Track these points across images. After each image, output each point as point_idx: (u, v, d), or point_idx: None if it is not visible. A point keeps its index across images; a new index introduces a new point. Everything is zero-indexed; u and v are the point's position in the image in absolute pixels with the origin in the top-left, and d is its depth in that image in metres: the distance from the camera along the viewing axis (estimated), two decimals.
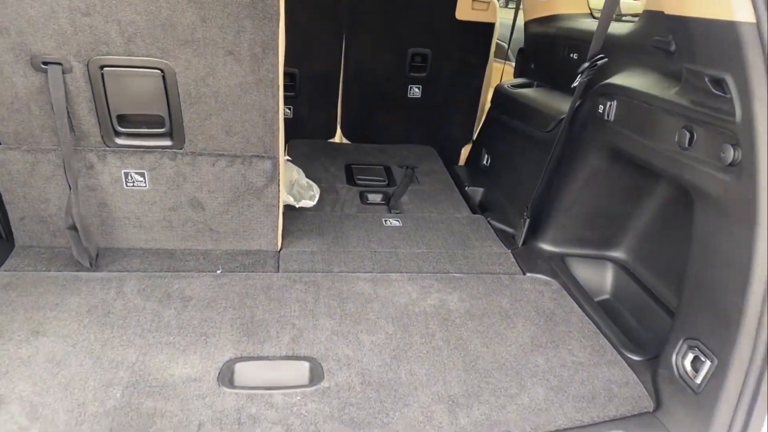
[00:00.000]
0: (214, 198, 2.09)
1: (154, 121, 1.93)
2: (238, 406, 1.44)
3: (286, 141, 3.53)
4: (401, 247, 2.35)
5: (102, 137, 1.93)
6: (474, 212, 2.80)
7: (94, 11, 1.70)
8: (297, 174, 2.85)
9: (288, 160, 2.74)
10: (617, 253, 2.36)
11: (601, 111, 2.04)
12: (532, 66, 3.11)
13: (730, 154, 1.37)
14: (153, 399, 1.44)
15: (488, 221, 2.66)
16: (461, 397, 1.53)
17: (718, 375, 1.42)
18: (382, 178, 3.11)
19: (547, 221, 2.39)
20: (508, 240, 2.49)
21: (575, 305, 2.04)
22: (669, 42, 1.77)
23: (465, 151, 3.78)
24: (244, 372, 1.58)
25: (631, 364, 1.73)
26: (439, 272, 2.18)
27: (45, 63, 1.75)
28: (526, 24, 3.31)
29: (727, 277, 1.42)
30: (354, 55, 3.42)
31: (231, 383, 1.53)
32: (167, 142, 1.98)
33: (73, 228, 1.91)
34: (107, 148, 1.96)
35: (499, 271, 2.22)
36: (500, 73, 3.65)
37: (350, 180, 3.07)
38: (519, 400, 1.55)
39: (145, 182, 2.02)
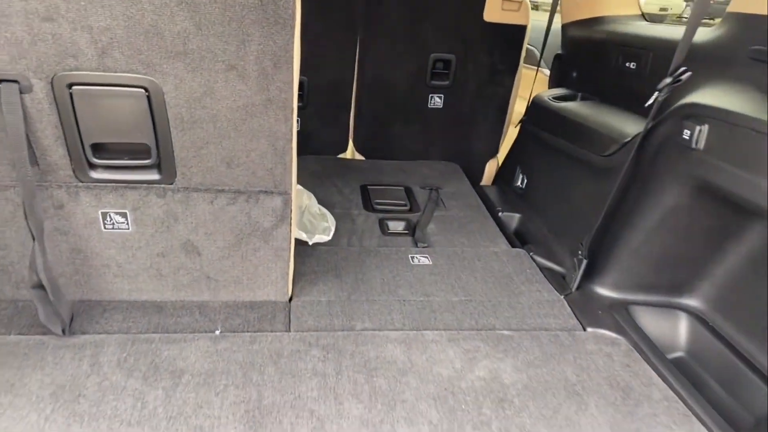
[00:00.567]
0: (212, 241, 1.72)
1: (138, 151, 1.55)
2: None
3: None
4: (434, 293, 1.97)
5: (73, 171, 1.56)
6: (512, 244, 2.42)
7: (58, 15, 1.32)
8: (308, 199, 2.47)
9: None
10: (691, 301, 1.99)
11: (686, 137, 1.66)
12: (574, 75, 2.74)
13: None
14: None
15: (531, 257, 2.28)
16: None
17: None
18: (403, 202, 2.73)
19: (607, 262, 2.02)
20: (557, 282, 2.12)
21: (653, 374, 1.67)
22: None
23: (490, 167, 3.41)
24: None
25: None
26: (483, 328, 1.80)
27: None
28: (565, 27, 2.94)
29: None
30: (369, 61, 3.05)
31: None
32: (154, 176, 1.60)
33: (39, 287, 1.54)
34: (80, 184, 1.58)
35: (555, 326, 1.85)
36: (531, 80, 3.27)
37: (367, 204, 2.69)
38: None
39: (127, 224, 1.65)
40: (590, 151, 2.17)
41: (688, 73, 1.68)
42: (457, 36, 3.06)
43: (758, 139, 1.45)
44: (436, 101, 3.21)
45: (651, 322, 1.96)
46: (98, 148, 1.54)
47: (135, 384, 1.45)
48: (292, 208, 1.72)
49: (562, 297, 2.02)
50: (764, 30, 1.63)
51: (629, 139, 1.97)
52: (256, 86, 1.47)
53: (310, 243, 2.08)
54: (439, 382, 1.55)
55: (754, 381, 1.69)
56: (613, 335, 1.83)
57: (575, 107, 2.41)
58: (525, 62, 3.25)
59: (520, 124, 3.21)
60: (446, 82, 3.16)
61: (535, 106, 2.72)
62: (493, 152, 3.39)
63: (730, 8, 1.81)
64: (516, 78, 3.20)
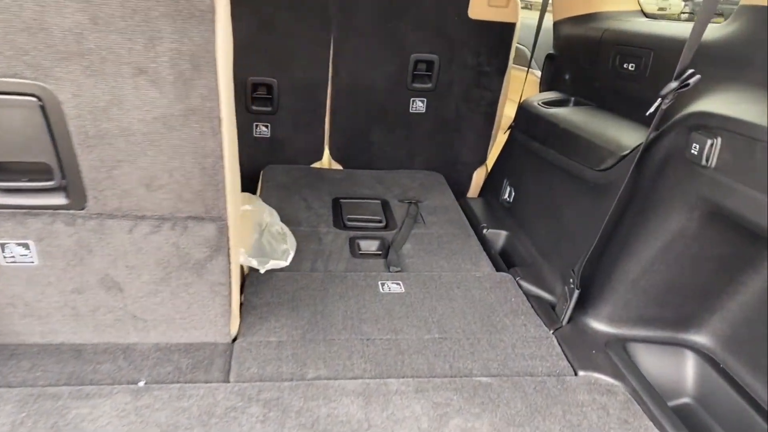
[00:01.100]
0: (135, 276, 1.46)
1: (38, 171, 1.29)
2: None
3: (263, 166, 2.90)
4: (404, 329, 1.71)
5: None
6: (497, 267, 2.16)
7: None
8: (269, 216, 2.21)
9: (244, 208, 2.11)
10: (699, 338, 1.74)
11: (695, 151, 1.40)
12: (567, 77, 2.48)
13: None
14: None
15: (518, 282, 2.02)
16: None
17: None
18: (378, 218, 2.47)
19: (603, 293, 1.76)
20: (546, 313, 1.86)
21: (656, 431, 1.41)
22: None
23: (477, 176, 3.15)
24: None
25: None
26: (458, 375, 1.55)
27: None
28: (557, 24, 2.68)
29: None
30: (344, 61, 2.79)
31: None
32: (60, 201, 1.34)
33: None
34: None
35: (543, 370, 1.59)
36: (521, 83, 3.01)
37: (338, 220, 2.43)
38: None
39: (32, 256, 1.39)
40: (584, 165, 1.91)
41: (697, 77, 1.43)
42: (441, 35, 2.80)
43: None
44: (418, 105, 2.95)
45: (653, 362, 1.70)
46: None
47: None
48: (230, 235, 1.46)
49: (551, 333, 1.76)
50: None
51: (628, 151, 1.71)
52: (173, 94, 1.21)
53: (262, 271, 1.82)
54: None
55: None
56: (610, 380, 1.57)
57: (568, 114, 2.15)
58: (515, 63, 2.99)
59: (509, 131, 2.96)
60: (429, 85, 2.90)
61: (524, 112, 2.46)
62: (481, 160, 3.13)
63: (745, 0, 1.56)
64: (505, 80, 2.94)
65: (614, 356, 1.66)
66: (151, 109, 1.22)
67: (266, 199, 2.52)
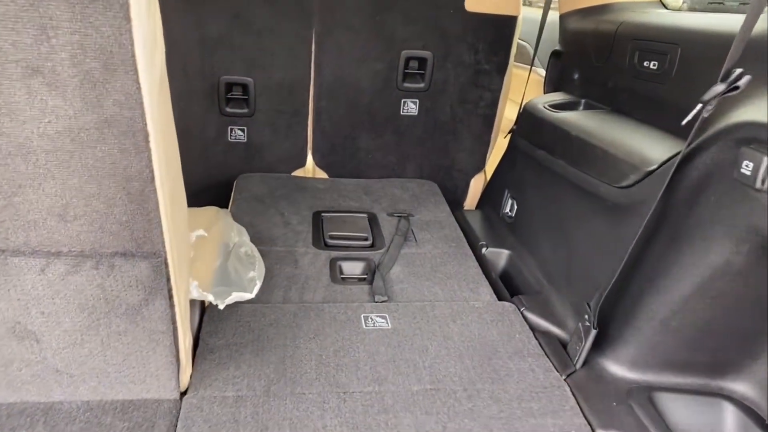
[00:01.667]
0: (54, 323, 1.18)
1: None
2: None
3: (239, 174, 2.62)
4: (389, 378, 1.44)
5: None
6: (499, 294, 1.89)
7: None
8: (237, 236, 1.93)
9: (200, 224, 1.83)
10: (737, 386, 1.47)
11: (746, 171, 1.13)
12: (576, 77, 2.20)
13: None
14: None
15: (523, 314, 1.75)
16: None
17: None
18: (364, 235, 2.19)
19: (625, 332, 1.49)
20: (556, 353, 1.59)
21: None
22: None
23: (475, 185, 2.88)
24: None
25: None
26: None
27: None
28: (563, 18, 2.41)
29: None
30: (328, 58, 2.51)
31: None
32: None
33: None
34: None
35: (555, 431, 1.32)
36: (522, 82, 2.74)
37: (318, 239, 2.15)
38: None
39: None
40: (600, 180, 1.63)
41: (747, 78, 1.15)
42: (434, 29, 2.52)
43: None
44: (410, 107, 2.68)
45: (685, 415, 1.43)
46: None
47: None
48: (172, 274, 1.18)
49: (564, 379, 1.49)
50: None
51: (655, 166, 1.44)
52: (81, 100, 0.93)
53: (221, 306, 1.54)
54: None
55: None
56: None
57: (579, 119, 1.87)
58: (516, 60, 2.72)
59: (510, 135, 2.69)
60: (421, 85, 2.63)
61: (528, 116, 2.19)
62: (479, 167, 2.86)
63: None
64: (505, 79, 2.67)
65: (639, 409, 1.39)
66: (53, 120, 0.94)
67: (238, 213, 2.24)
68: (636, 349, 1.48)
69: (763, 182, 1.10)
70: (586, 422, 1.36)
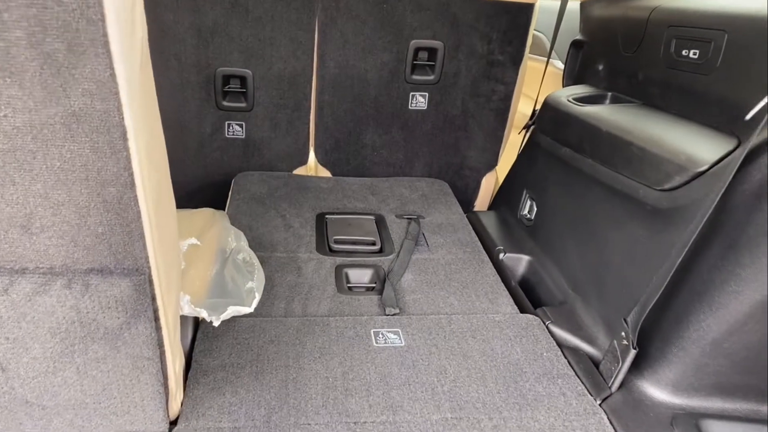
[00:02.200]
0: (21, 350, 1.02)
1: None
2: None
3: (236, 172, 2.45)
4: (404, 406, 1.28)
5: None
6: (521, 306, 1.73)
7: None
8: (235, 241, 1.77)
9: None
10: None
11: None
12: (600, 68, 2.04)
13: None
14: None
15: (548, 328, 1.59)
16: None
17: None
18: (371, 239, 2.03)
19: (668, 352, 1.33)
20: (588, 373, 1.44)
21: None
22: None
23: (486, 184, 2.72)
24: None
25: None
26: None
27: None
28: (585, 5, 2.25)
29: None
30: (332, 49, 2.34)
31: None
32: None
33: None
34: None
35: None
36: (537, 74, 2.57)
37: (322, 243, 1.99)
38: None
39: None
40: (638, 181, 1.47)
41: None
42: (445, 17, 2.36)
43: None
44: (419, 101, 2.51)
45: None
46: None
47: None
48: (157, 292, 1.02)
49: (599, 403, 1.33)
50: None
51: (706, 167, 1.28)
52: (42, 89, 0.76)
53: (216, 323, 1.38)
54: None
55: None
56: None
57: (609, 114, 1.71)
58: (530, 52, 2.55)
59: (524, 131, 2.52)
60: (431, 77, 2.46)
61: (549, 110, 2.02)
62: (491, 165, 2.69)
63: None
64: (520, 71, 2.51)
65: None
66: (9, 114, 0.77)
67: (236, 215, 2.08)
68: (681, 371, 1.32)
69: None
70: None
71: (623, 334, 1.36)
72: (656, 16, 1.74)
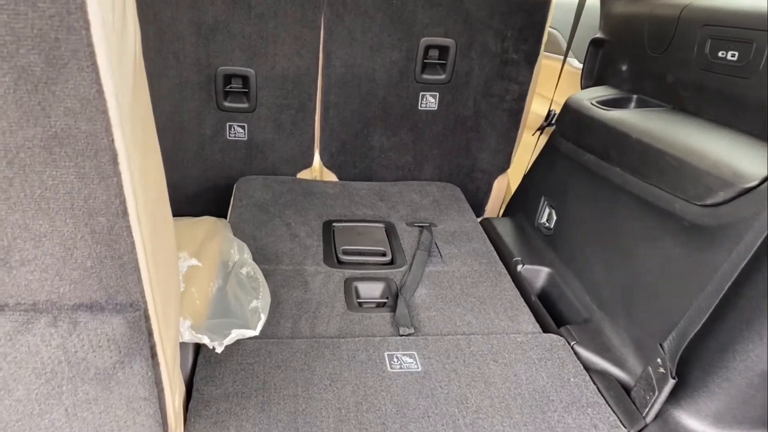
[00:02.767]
0: (3, 392, 0.91)
1: None
2: None
3: (237, 176, 2.35)
4: None
5: None
6: (543, 325, 1.63)
7: None
8: (236, 253, 1.67)
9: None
10: None
11: None
12: (624, 69, 1.92)
13: None
14: None
15: (574, 349, 1.49)
16: None
17: None
18: (381, 249, 1.92)
19: (710, 383, 1.23)
20: (619, 400, 1.33)
21: None
22: None
23: (498, 187, 2.62)
24: None
25: None
26: None
27: None
28: (605, 0, 2.13)
29: None
30: (339, 48, 2.23)
31: None
32: None
33: None
34: None
35: None
36: (551, 73, 2.46)
37: (330, 254, 1.88)
38: None
39: None
40: (674, 195, 1.36)
41: None
42: (458, 14, 2.24)
43: None
44: (429, 101, 2.40)
45: None
46: None
47: None
48: (154, 328, 0.91)
49: None
50: None
51: (756, 182, 1.17)
52: (17, 109, 0.65)
53: (219, 349, 1.27)
54: None
55: None
56: None
57: (638, 119, 1.60)
58: (545, 49, 2.44)
59: (539, 132, 2.42)
60: (442, 76, 2.35)
61: (570, 114, 1.91)
62: (503, 167, 2.59)
63: None
64: (535, 70, 2.39)
65: None
66: None
67: (238, 223, 1.98)
68: (724, 402, 1.22)
69: None
70: None
71: (659, 361, 1.26)
72: (688, 14, 1.62)
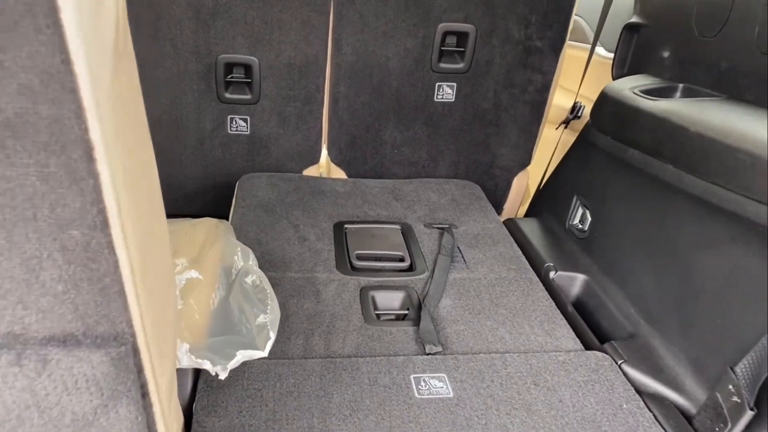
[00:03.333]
0: None
1: None
2: None
3: (240, 173, 2.17)
4: None
5: None
6: (585, 341, 1.46)
7: None
8: (240, 259, 1.49)
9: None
10: None
11: None
12: (666, 56, 1.75)
13: None
14: None
15: (621, 369, 1.32)
16: None
17: None
18: (399, 254, 1.75)
19: None
20: (678, 427, 1.17)
21: None
22: None
23: (518, 185, 2.45)
24: None
25: None
26: None
27: None
28: None
29: None
30: (349, 34, 2.05)
31: None
32: None
33: None
34: None
35: None
36: (581, 64, 2.28)
37: (343, 260, 1.71)
38: None
39: None
40: (747, 196, 1.19)
41: None
42: None
43: None
44: (446, 92, 2.23)
45: None
46: None
47: None
48: (145, 362, 0.74)
49: None
50: None
51: None
52: None
53: (222, 376, 1.10)
54: None
55: None
56: None
57: (696, 111, 1.42)
58: (571, 38, 2.27)
59: (563, 126, 2.25)
60: (461, 65, 2.17)
61: (609, 105, 1.73)
62: (524, 163, 2.41)
63: None
64: (560, 59, 2.22)
65: None
66: None
67: (242, 225, 1.80)
68: None
69: None
70: None
71: (731, 388, 1.09)
72: None
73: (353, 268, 1.68)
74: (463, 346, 1.38)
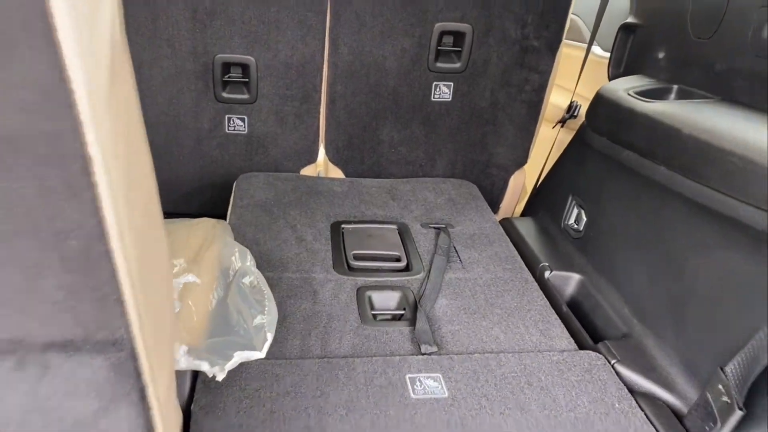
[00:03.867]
0: None
1: None
2: None
3: (237, 173, 2.18)
4: None
5: None
6: (578, 340, 1.47)
7: None
8: (238, 260, 1.51)
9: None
10: None
11: None
12: (661, 56, 1.76)
13: None
14: None
15: (614, 369, 1.34)
16: None
17: None
18: (395, 254, 1.77)
19: None
20: (669, 426, 1.19)
21: None
22: None
23: (514, 184, 2.46)
24: None
25: None
26: None
27: None
28: None
29: None
30: (346, 34, 2.06)
31: None
32: None
33: None
34: None
35: None
36: (578, 63, 2.29)
37: (340, 260, 1.72)
38: None
39: None
40: (739, 199, 1.20)
41: None
42: None
43: None
44: (443, 92, 2.24)
45: None
46: None
47: None
48: (144, 367, 0.75)
49: None
50: None
51: None
52: None
53: (220, 377, 1.12)
54: None
55: None
56: None
57: (691, 113, 1.43)
58: (568, 37, 2.27)
59: (560, 125, 2.26)
60: (457, 65, 2.18)
61: (604, 106, 1.75)
62: (520, 163, 2.42)
63: None
64: (556, 59, 2.23)
65: None
66: None
67: (239, 225, 1.82)
68: None
69: None
70: None
71: (721, 387, 1.11)
72: None
73: (350, 268, 1.69)
74: (458, 346, 1.40)
